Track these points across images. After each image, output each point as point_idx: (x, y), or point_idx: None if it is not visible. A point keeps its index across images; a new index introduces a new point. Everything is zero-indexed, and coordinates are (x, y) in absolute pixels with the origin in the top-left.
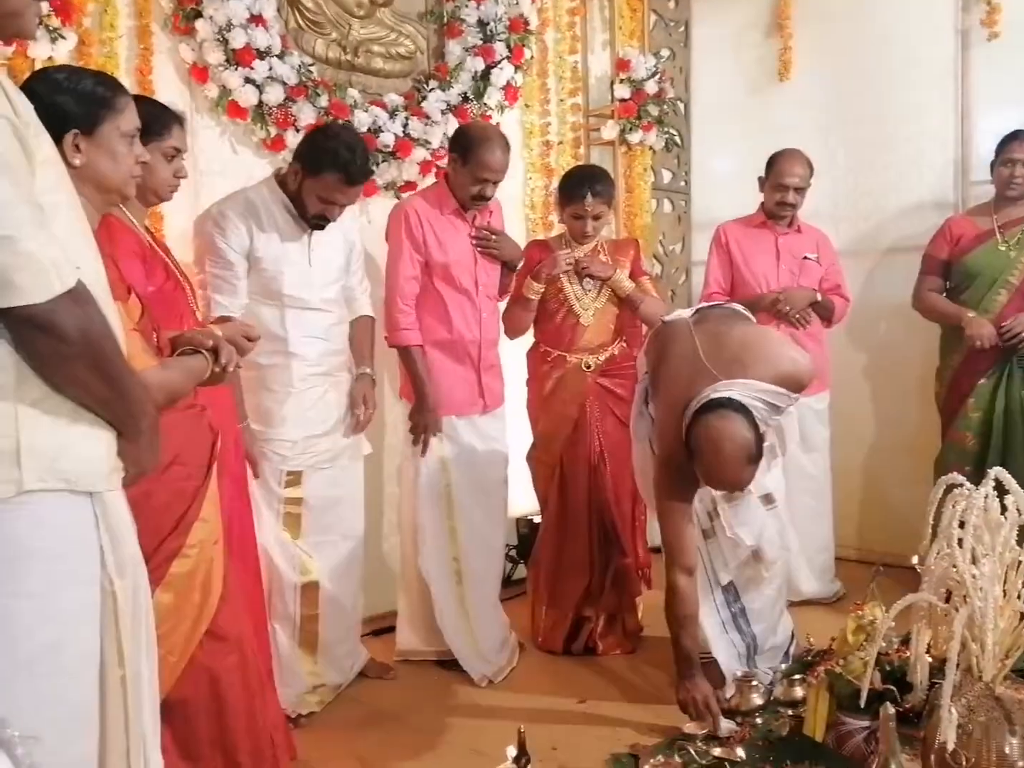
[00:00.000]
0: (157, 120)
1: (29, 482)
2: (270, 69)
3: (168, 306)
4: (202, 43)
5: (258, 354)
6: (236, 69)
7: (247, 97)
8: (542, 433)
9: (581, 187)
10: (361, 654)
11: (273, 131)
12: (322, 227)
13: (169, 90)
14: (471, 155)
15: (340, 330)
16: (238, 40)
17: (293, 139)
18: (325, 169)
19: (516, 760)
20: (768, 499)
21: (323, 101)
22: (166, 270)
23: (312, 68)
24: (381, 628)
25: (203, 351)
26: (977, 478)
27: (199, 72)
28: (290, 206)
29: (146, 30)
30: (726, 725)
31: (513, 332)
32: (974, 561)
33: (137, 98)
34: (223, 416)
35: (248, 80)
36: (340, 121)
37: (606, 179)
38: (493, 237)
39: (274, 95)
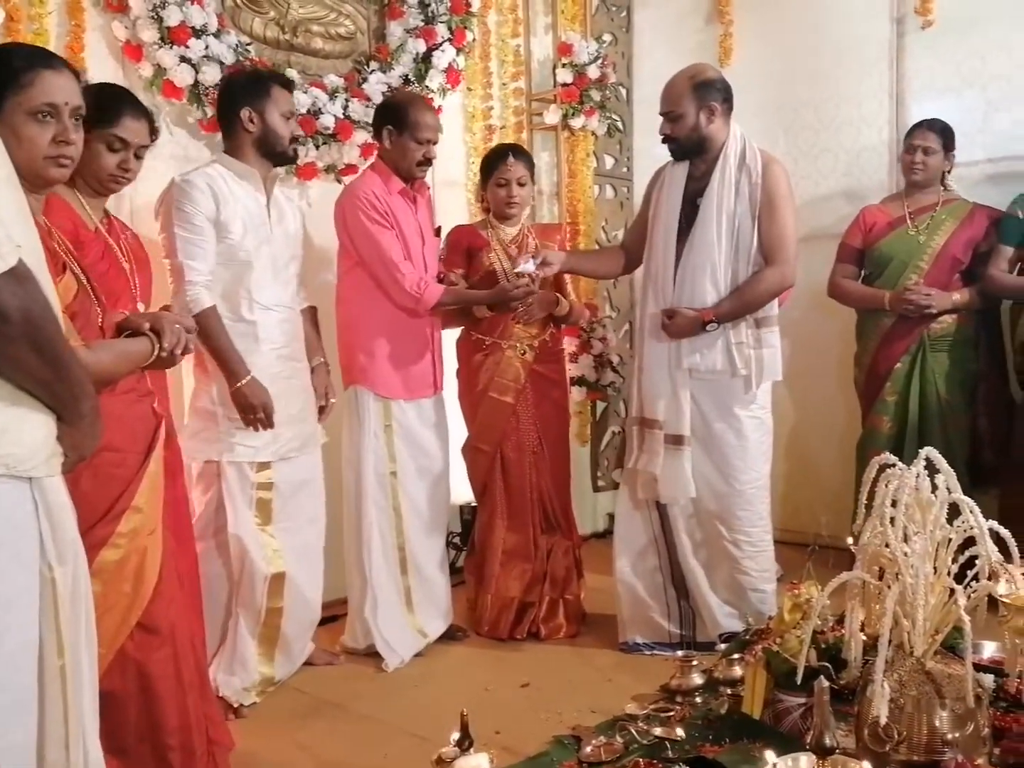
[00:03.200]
0: (103, 108)
1: None
2: (206, 48)
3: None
4: (136, 20)
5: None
6: (171, 48)
7: (182, 77)
8: (480, 423)
9: (503, 153)
10: (310, 645)
11: (209, 111)
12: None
13: (102, 69)
14: (406, 120)
15: (298, 316)
16: (173, 18)
17: None
18: (270, 87)
19: (459, 743)
20: (677, 440)
21: None
22: (104, 252)
23: (250, 48)
24: (328, 616)
25: (148, 334)
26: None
27: (132, 50)
28: (246, 173)
29: (77, 6)
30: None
31: (447, 326)
32: (906, 539)
33: (100, 86)
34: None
35: (183, 59)
36: None
37: (525, 151)
38: (531, 301)
39: (210, 75)
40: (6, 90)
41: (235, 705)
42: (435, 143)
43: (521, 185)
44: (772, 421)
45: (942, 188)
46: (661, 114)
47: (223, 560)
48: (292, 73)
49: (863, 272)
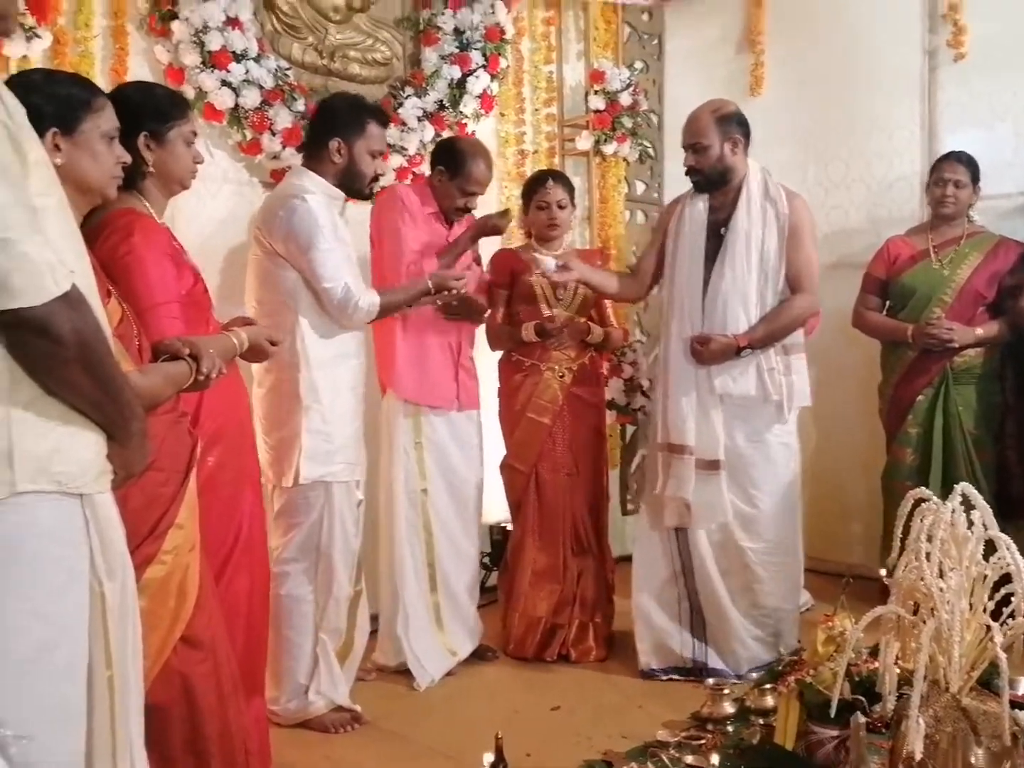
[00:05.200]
0: (176, 104)
1: (21, 484)
2: (246, 72)
3: (198, 310)
4: (178, 45)
5: (334, 355)
6: (212, 71)
7: (223, 100)
8: (517, 442)
9: (542, 177)
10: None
11: (249, 134)
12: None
13: None
14: (460, 169)
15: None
16: (214, 42)
17: (269, 143)
18: (366, 122)
19: (493, 766)
20: (711, 465)
21: (300, 105)
22: (194, 272)
23: (288, 72)
24: None
25: (186, 358)
26: None
27: (175, 74)
28: (335, 195)
29: (121, 30)
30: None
31: (496, 348)
32: (941, 575)
33: (149, 85)
34: (246, 424)
35: (224, 83)
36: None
37: (564, 175)
38: (454, 303)
39: (250, 98)
40: (85, 113)
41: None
42: (480, 195)
43: (561, 208)
44: (799, 445)
45: (967, 221)
46: (685, 146)
47: (313, 584)
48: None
49: (887, 303)
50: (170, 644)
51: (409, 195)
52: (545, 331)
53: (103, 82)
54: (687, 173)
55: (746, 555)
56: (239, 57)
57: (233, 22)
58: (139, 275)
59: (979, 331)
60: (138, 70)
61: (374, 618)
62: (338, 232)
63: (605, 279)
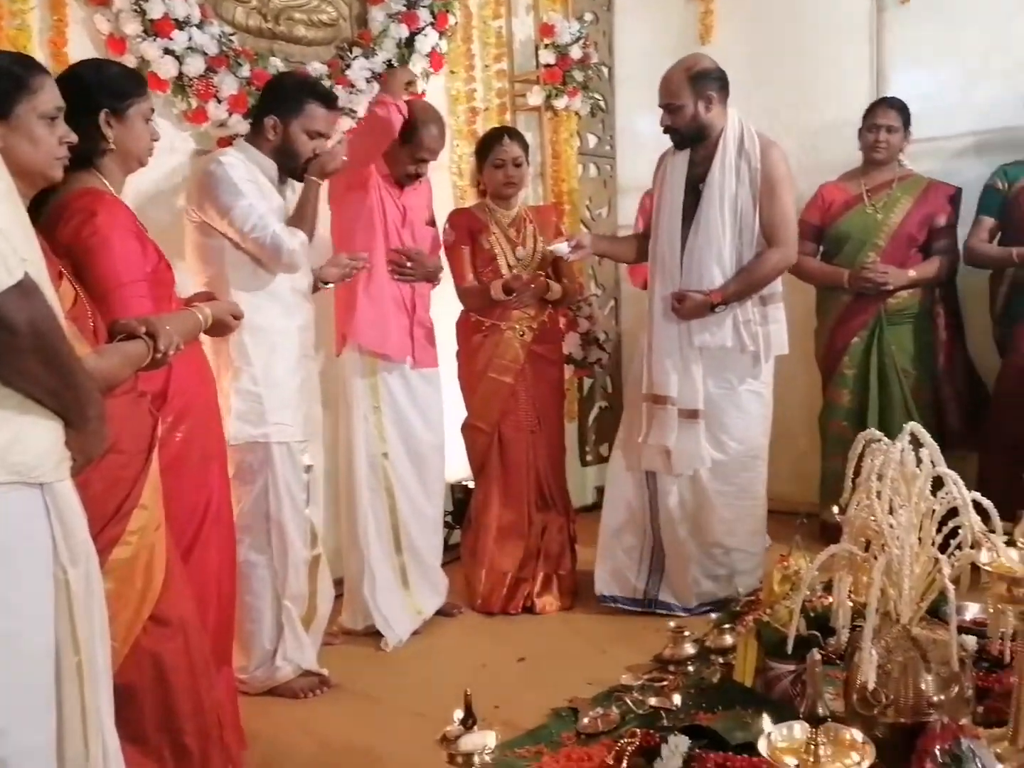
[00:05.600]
0: (136, 81)
1: None
2: (189, 39)
3: (162, 287)
4: (118, 13)
5: (271, 319)
6: (154, 40)
7: (166, 68)
8: (479, 402)
9: (498, 134)
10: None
11: (194, 103)
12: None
13: None
14: (412, 135)
15: (312, 305)
16: (156, 10)
17: (215, 111)
18: (305, 102)
19: (463, 722)
20: (692, 414)
21: (245, 71)
22: (156, 249)
23: (233, 37)
24: None
25: (143, 337)
26: (855, 433)
27: (116, 44)
28: (267, 167)
29: (60, 1)
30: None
31: (470, 308)
32: (891, 512)
33: (107, 62)
34: (212, 400)
35: (167, 51)
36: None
37: (519, 133)
38: (408, 264)
39: (194, 66)
40: (20, 95)
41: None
42: (431, 161)
43: (517, 166)
44: (772, 396)
45: (898, 165)
46: (661, 106)
47: (268, 551)
48: (276, 61)
49: (822, 249)
50: (139, 624)
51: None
52: (512, 289)
53: (42, 55)
54: (665, 131)
55: (712, 497)
56: (181, 24)
57: None
58: (105, 255)
59: (912, 273)
60: (78, 41)
61: (339, 582)
62: (264, 191)
63: (621, 248)
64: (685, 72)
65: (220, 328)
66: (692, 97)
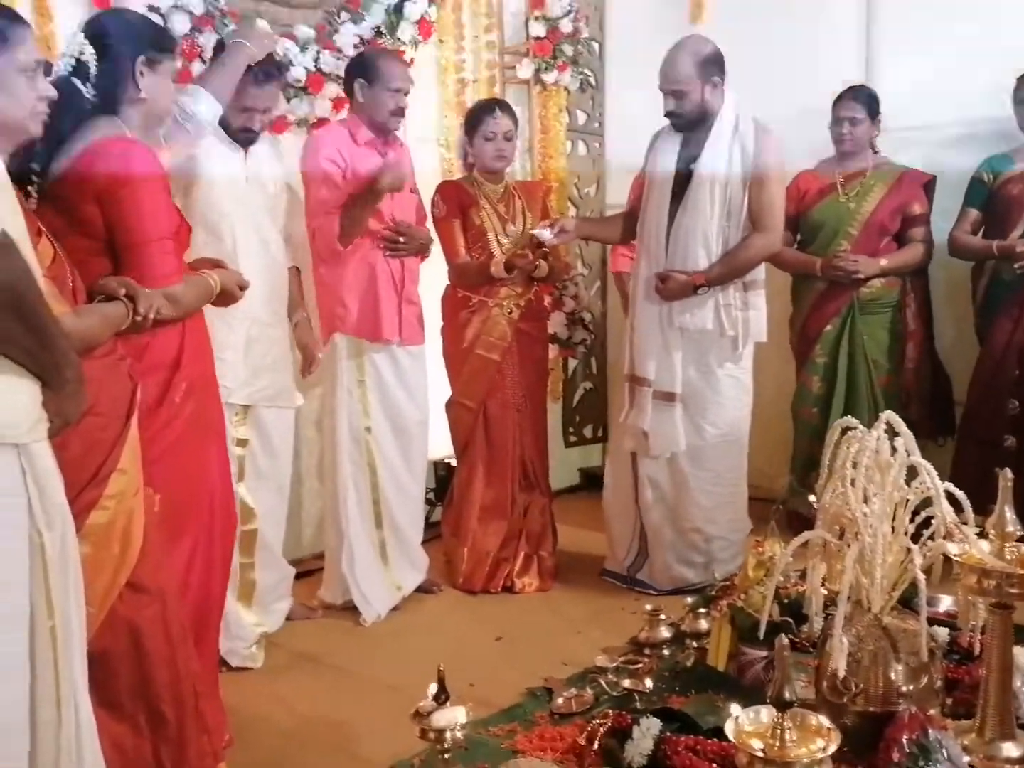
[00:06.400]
0: (170, 38)
1: None
2: None
3: (181, 247)
4: None
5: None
6: None
7: None
8: (466, 380)
9: (489, 106)
10: (288, 600)
11: (180, 62)
12: (251, 140)
13: (69, 17)
14: (376, 72)
15: (283, 267)
16: None
17: (200, 70)
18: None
19: (436, 698)
20: (668, 396)
21: (231, 31)
22: (177, 209)
23: None
24: (304, 571)
25: (123, 299)
26: (823, 420)
27: (101, 0)
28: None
29: None
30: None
31: (464, 285)
32: (866, 500)
33: (145, 15)
34: (207, 374)
35: (152, 8)
36: None
37: (509, 106)
38: (401, 239)
39: (180, 25)
40: None
41: (248, 666)
42: (407, 92)
43: (508, 139)
44: (751, 382)
45: (873, 152)
46: (665, 91)
47: None
48: (262, 23)
49: (797, 237)
50: (115, 590)
51: (332, 136)
52: (514, 267)
53: (25, 9)
54: (667, 115)
55: (690, 482)
56: None
57: None
58: (137, 208)
59: (883, 262)
60: None
61: (319, 556)
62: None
63: (605, 229)
64: (692, 57)
65: (226, 298)
66: (699, 82)
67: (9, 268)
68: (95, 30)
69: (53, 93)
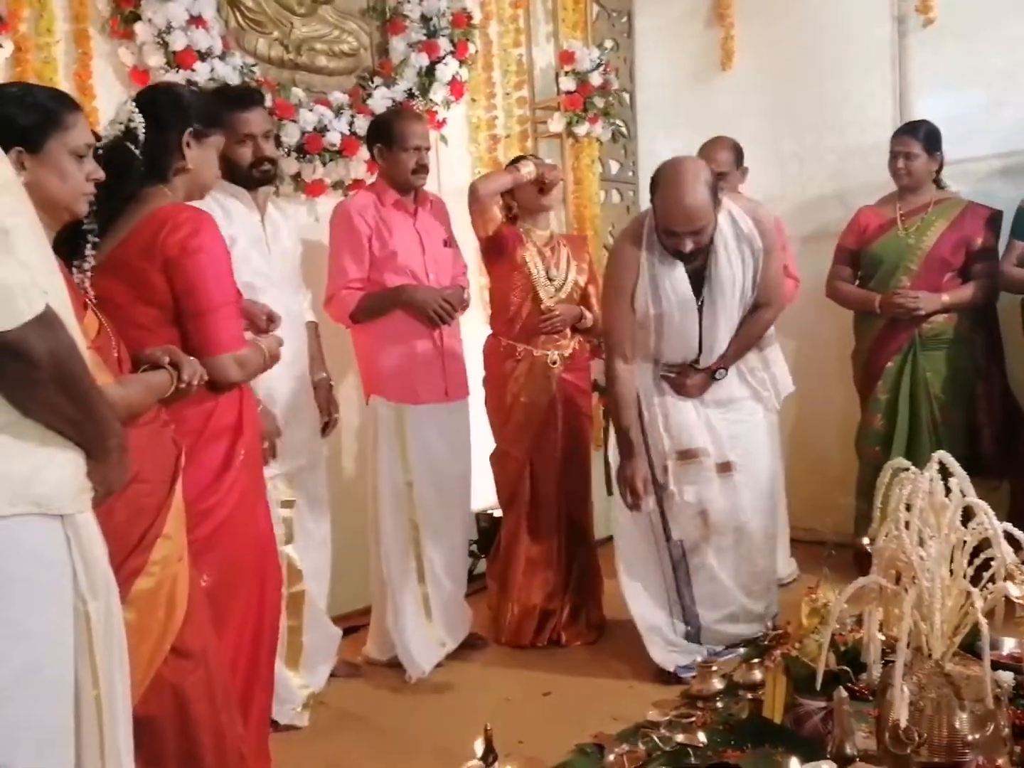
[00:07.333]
0: (220, 115)
1: (1, 508)
2: (212, 70)
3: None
4: (142, 46)
5: None
6: (177, 71)
7: None
8: (512, 430)
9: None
10: (334, 658)
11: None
12: (268, 179)
13: (110, 95)
14: (392, 135)
15: (303, 329)
16: (178, 42)
17: None
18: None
19: (483, 758)
20: (726, 467)
21: (267, 101)
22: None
23: (255, 68)
24: (350, 627)
25: (167, 367)
26: (887, 458)
27: (140, 75)
28: (237, 192)
29: (84, 34)
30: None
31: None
32: (921, 543)
33: (199, 90)
34: (259, 439)
35: (190, 82)
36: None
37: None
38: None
39: None
40: (51, 130)
41: (296, 725)
42: (426, 149)
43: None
44: (776, 420)
45: (937, 188)
46: (686, 232)
47: None
48: (298, 91)
49: (858, 273)
50: (160, 655)
51: (358, 203)
52: (545, 179)
53: (68, 88)
54: (681, 256)
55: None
56: (204, 56)
57: (196, 20)
58: (209, 274)
59: (945, 298)
60: (102, 74)
61: (366, 612)
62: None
63: None
64: (706, 186)
65: (272, 362)
66: (714, 209)
67: (53, 340)
68: (146, 100)
69: (101, 175)
